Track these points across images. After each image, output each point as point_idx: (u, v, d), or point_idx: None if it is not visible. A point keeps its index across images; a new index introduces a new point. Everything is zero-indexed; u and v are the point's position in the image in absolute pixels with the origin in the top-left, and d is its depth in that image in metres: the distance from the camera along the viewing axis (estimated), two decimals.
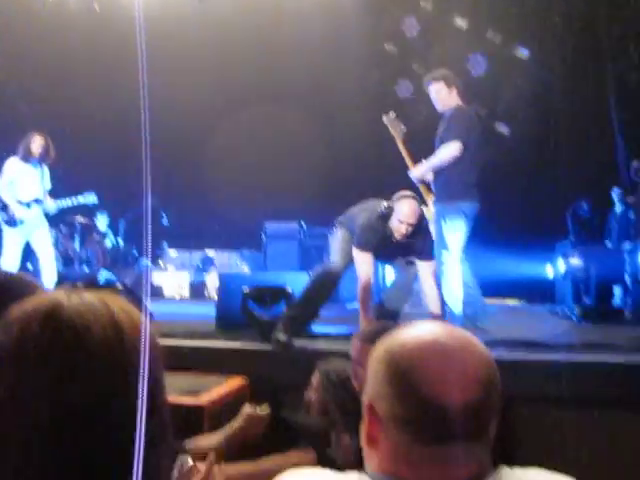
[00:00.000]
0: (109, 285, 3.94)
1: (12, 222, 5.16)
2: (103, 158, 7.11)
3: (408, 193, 3.62)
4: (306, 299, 3.55)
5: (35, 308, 0.67)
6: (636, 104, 6.50)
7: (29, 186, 5.18)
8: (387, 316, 3.73)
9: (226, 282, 4.16)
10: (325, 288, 3.62)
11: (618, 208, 6.01)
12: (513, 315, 5.53)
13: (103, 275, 4.27)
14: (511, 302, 6.50)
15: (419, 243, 3.66)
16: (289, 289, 3.54)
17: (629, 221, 5.48)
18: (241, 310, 3.44)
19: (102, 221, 7.18)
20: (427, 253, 3.66)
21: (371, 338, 1.93)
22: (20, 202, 5.12)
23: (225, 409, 2.49)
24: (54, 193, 5.26)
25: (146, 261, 6.02)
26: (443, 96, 3.93)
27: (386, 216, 3.59)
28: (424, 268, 3.68)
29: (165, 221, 6.72)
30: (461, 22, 7.05)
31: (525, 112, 7.26)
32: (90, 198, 5.24)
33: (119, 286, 3.77)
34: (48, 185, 5.29)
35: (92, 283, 3.76)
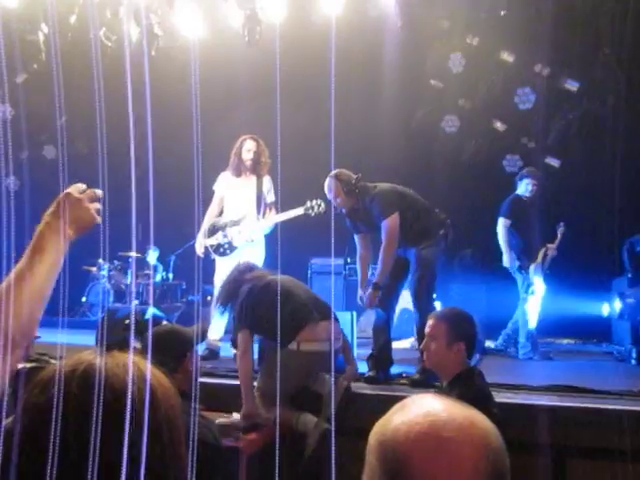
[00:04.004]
0: (156, 321, 4.02)
1: (222, 251, 4.27)
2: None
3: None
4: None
5: (72, 370, 0.70)
6: None
7: (242, 203, 4.24)
8: None
9: None
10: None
11: None
12: (567, 356, 5.29)
13: (151, 311, 4.35)
14: (566, 342, 6.24)
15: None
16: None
17: None
18: None
19: (152, 255, 7.39)
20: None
21: (443, 316, 2.42)
22: (234, 223, 4.24)
23: (264, 451, 2.46)
24: None
25: (195, 296, 6.13)
26: None
27: None
28: None
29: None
30: (507, 57, 7.00)
31: (576, 145, 7.09)
32: (322, 207, 4.10)
33: (166, 323, 3.84)
34: (271, 198, 4.35)
35: (140, 320, 3.85)
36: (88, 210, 1.19)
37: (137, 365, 0.72)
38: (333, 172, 3.75)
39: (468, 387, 2.23)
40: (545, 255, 5.18)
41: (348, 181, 3.75)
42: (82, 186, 1.21)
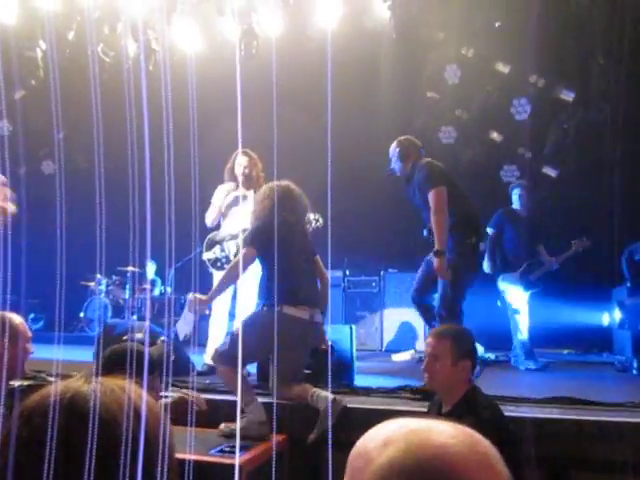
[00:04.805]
0: (154, 337, 4.00)
1: (220, 265, 4.26)
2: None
3: None
4: None
5: (59, 398, 0.67)
6: None
7: (239, 216, 4.23)
8: None
9: None
10: None
11: None
12: (567, 367, 5.26)
13: (148, 326, 4.33)
14: (566, 352, 6.21)
15: None
16: (331, 344, 3.48)
17: None
18: None
19: (151, 269, 7.37)
20: None
21: (446, 333, 2.30)
22: (231, 237, 4.26)
23: (262, 468, 2.44)
24: None
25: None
26: None
27: None
28: None
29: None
30: (503, 67, 7.05)
31: (574, 154, 7.12)
32: (320, 222, 4.13)
33: (163, 339, 3.82)
34: None
35: (137, 335, 3.83)
36: None
37: (128, 393, 0.70)
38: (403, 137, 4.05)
39: (480, 408, 2.14)
40: (529, 266, 5.13)
41: (403, 147, 3.96)
42: None
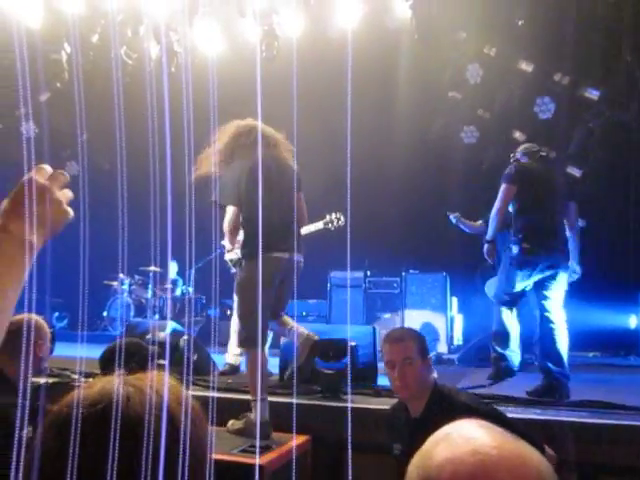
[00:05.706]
0: (177, 335, 4.03)
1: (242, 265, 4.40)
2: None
3: None
4: None
5: (88, 405, 0.66)
6: None
7: None
8: None
9: None
10: None
11: None
12: (595, 371, 5.16)
13: (171, 325, 4.36)
14: (592, 355, 6.10)
15: None
16: (353, 343, 3.46)
17: None
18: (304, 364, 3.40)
19: (172, 269, 7.42)
20: None
21: (407, 334, 2.22)
22: None
23: (285, 468, 2.43)
24: None
25: (214, 311, 6.13)
26: None
27: None
28: None
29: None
30: (526, 66, 6.95)
31: (598, 154, 6.99)
32: (342, 221, 4.00)
33: (185, 337, 3.84)
34: None
35: (158, 334, 3.86)
36: (60, 204, 0.82)
37: (157, 391, 0.68)
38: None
39: (453, 395, 2.11)
40: None
41: (522, 148, 4.16)
42: (48, 168, 0.83)
